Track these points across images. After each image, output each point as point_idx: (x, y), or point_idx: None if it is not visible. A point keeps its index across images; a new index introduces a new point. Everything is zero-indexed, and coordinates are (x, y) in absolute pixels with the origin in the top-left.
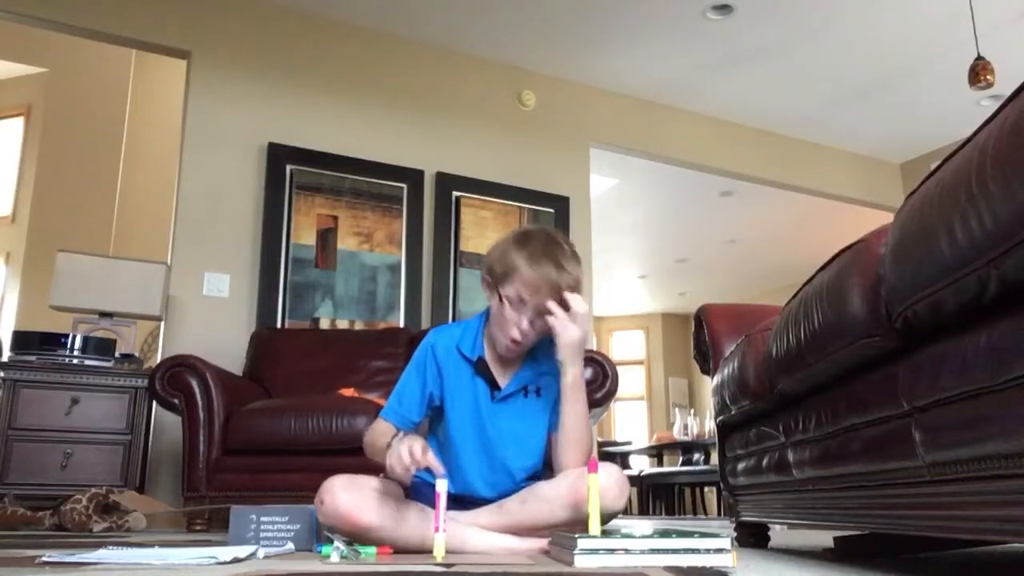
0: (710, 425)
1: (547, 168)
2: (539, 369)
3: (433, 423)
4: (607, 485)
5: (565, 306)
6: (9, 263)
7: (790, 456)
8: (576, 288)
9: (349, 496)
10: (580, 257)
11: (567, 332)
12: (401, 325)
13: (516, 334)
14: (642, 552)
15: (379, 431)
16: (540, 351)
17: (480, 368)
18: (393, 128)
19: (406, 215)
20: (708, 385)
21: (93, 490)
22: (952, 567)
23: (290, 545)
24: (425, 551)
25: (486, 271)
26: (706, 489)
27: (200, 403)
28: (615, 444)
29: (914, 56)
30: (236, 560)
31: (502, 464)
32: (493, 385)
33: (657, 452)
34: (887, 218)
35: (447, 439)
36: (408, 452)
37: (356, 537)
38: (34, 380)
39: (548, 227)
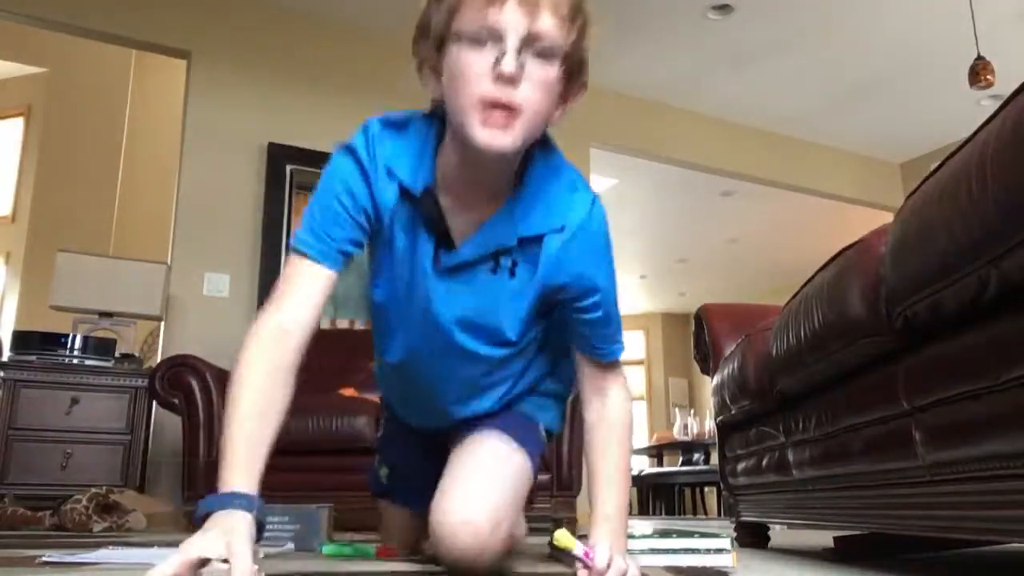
0: (710, 425)
1: None
2: (522, 227)
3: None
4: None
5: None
6: (9, 263)
7: (790, 456)
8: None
9: None
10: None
11: None
12: None
13: (493, 69)
14: (642, 552)
15: (271, 316)
16: (528, 197)
17: (426, 207)
18: None
19: None
20: (708, 385)
21: (93, 490)
22: (952, 567)
23: (290, 545)
24: None
25: (415, 43)
26: (706, 489)
27: (200, 403)
28: None
29: (914, 56)
30: None
31: (458, 376)
32: (443, 241)
33: (657, 452)
34: (887, 218)
35: (378, 327)
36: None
37: None
38: (34, 380)
39: None
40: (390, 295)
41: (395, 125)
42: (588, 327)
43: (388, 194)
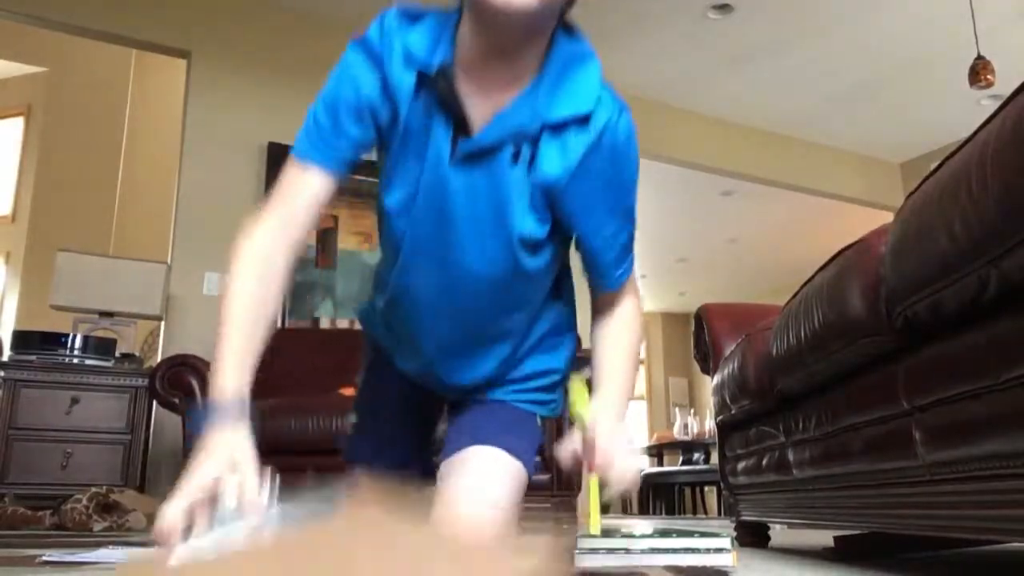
0: (710, 425)
1: None
2: (545, 111)
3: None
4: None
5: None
6: (9, 263)
7: (790, 455)
8: None
9: None
10: None
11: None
12: None
13: None
14: (642, 552)
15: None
16: (551, 79)
17: (442, 90)
18: None
19: None
20: (708, 385)
21: (93, 490)
22: (952, 567)
23: None
24: None
25: None
26: (706, 489)
27: (200, 403)
28: None
29: (914, 56)
30: None
31: (463, 297)
32: (461, 129)
33: (657, 452)
34: (887, 218)
35: (386, 241)
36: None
37: None
38: (34, 380)
39: None
40: (403, 197)
41: (412, 14)
42: (595, 249)
43: (405, 82)
